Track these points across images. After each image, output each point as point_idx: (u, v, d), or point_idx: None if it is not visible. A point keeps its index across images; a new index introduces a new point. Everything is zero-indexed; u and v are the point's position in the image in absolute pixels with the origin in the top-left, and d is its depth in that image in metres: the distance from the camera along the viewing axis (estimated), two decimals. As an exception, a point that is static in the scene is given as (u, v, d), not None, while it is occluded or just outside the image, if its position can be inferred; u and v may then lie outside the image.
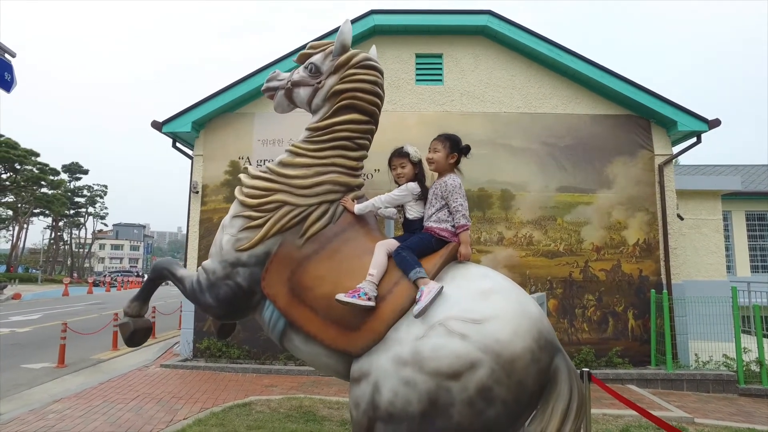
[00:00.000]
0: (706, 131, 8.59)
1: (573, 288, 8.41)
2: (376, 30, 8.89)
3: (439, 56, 9.03)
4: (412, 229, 2.84)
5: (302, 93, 3.11)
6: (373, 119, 3.05)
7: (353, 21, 8.71)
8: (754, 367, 7.80)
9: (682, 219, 9.90)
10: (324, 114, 2.97)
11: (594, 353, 8.12)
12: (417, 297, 2.31)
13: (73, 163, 52.84)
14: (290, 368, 7.82)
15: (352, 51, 3.01)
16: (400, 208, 2.94)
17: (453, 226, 2.65)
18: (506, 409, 2.05)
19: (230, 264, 2.78)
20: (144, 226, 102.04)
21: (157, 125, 8.72)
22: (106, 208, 58.98)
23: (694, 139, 8.85)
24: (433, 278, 2.42)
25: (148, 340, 3.43)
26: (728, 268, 15.91)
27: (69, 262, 56.44)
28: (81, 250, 59.89)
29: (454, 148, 2.78)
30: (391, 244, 2.64)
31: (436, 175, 2.88)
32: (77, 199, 54.33)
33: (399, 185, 2.94)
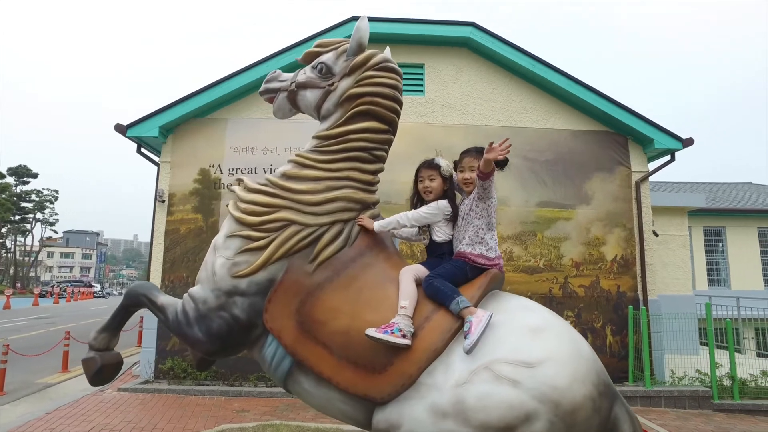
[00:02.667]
0: (680, 149, 8.75)
1: (553, 304, 8.30)
2: (356, 37, 8.63)
3: (421, 66, 8.86)
4: (438, 253, 2.53)
5: (309, 96, 2.72)
6: (392, 128, 2.71)
7: (333, 27, 8.45)
8: (726, 382, 7.90)
9: (657, 235, 10.04)
10: (336, 120, 2.61)
11: (574, 370, 8.02)
12: (465, 329, 2.02)
13: (20, 166, 49.88)
14: (262, 390, 7.35)
15: (369, 51, 2.68)
16: (425, 228, 2.64)
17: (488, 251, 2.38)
18: None
19: (225, 293, 2.38)
20: (97, 234, 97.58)
21: (121, 129, 8.14)
22: (56, 214, 55.90)
23: (669, 157, 8.99)
24: None
25: (117, 376, 2.94)
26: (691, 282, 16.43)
27: (12, 272, 53.08)
28: (26, 259, 56.47)
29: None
30: (419, 270, 2.34)
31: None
32: (24, 204, 51.29)
33: (421, 200, 2.65)
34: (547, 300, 8.29)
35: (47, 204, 53.52)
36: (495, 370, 1.86)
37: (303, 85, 2.73)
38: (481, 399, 1.83)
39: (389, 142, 2.72)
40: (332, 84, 2.65)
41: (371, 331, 2.05)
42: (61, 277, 74.86)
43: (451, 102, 8.73)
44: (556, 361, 1.87)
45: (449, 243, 2.53)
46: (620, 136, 8.86)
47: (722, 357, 8.06)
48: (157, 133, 8.12)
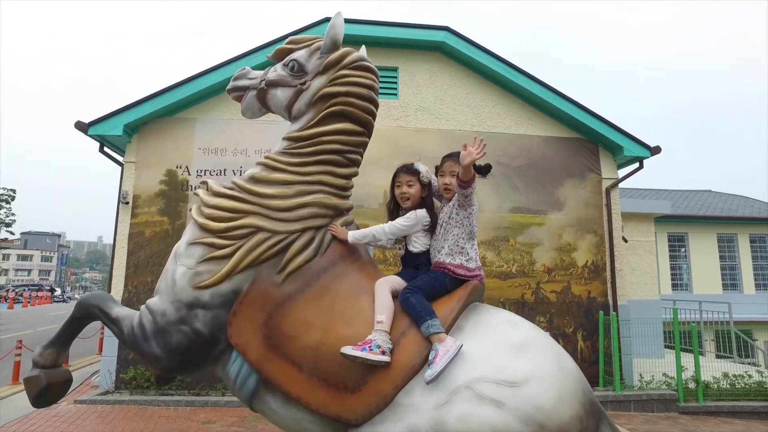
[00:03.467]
0: (648, 157, 8.92)
1: (525, 310, 8.34)
2: (330, 38, 8.50)
3: (395, 69, 8.78)
4: (415, 263, 2.42)
5: (280, 95, 2.58)
6: (368, 130, 2.61)
7: (307, 28, 8.29)
8: (691, 385, 8.07)
9: (626, 241, 10.22)
10: (308, 121, 2.47)
11: (545, 376, 8.06)
12: (430, 358, 1.91)
13: (-25, 164, 47.60)
14: (229, 399, 7.09)
15: (345, 49, 2.58)
16: (402, 238, 2.53)
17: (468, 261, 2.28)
18: None
19: (186, 305, 2.20)
20: (59, 235, 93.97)
21: (82, 126, 7.77)
22: (13, 214, 53.28)
23: (637, 164, 9.16)
24: (450, 326, 2.04)
25: (65, 395, 2.68)
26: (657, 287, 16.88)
27: (-35, 274, 50.50)
28: (-19, 261, 53.85)
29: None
30: (395, 282, 2.23)
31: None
32: (-22, 204, 48.90)
33: (398, 207, 2.54)
34: (520, 305, 8.32)
35: (3, 204, 51.21)
36: (477, 389, 1.77)
37: (273, 84, 2.59)
38: (462, 420, 1.74)
39: (364, 145, 2.62)
40: (304, 82, 2.53)
41: (347, 349, 1.92)
42: (18, 280, 71.65)
43: (425, 106, 8.68)
44: (540, 380, 1.79)
45: (426, 253, 2.44)
46: (591, 143, 8.98)
47: (686, 360, 8.24)
48: (122, 132, 7.79)
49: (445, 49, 8.76)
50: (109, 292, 8.33)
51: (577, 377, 1.89)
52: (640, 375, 8.41)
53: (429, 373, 1.86)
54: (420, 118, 8.65)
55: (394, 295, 2.18)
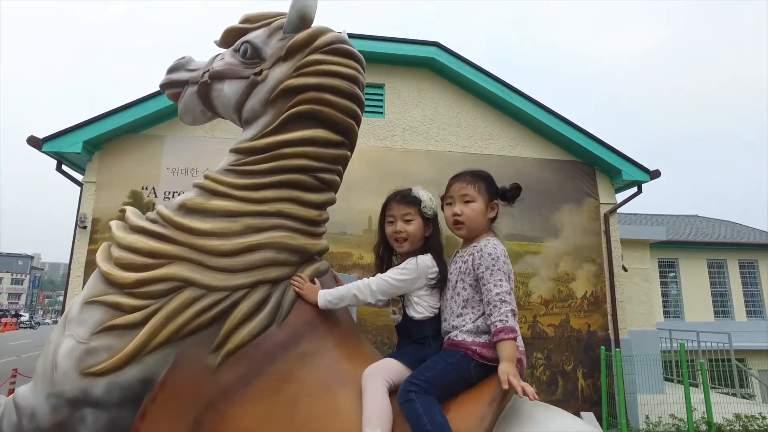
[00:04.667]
0: (647, 181, 8.48)
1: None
2: (313, 52, 7.97)
3: (381, 86, 8.24)
4: (419, 336, 1.71)
5: (227, 90, 1.88)
6: (349, 139, 1.93)
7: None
8: (702, 427, 7.46)
9: (626, 270, 9.70)
10: (265, 126, 1.79)
11: (544, 418, 7.37)
12: None
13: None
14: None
15: (318, 27, 1.89)
16: (397, 298, 1.83)
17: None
18: None
19: (69, 402, 1.49)
20: (32, 257, 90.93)
21: (35, 142, 7.03)
22: (-17, 236, 51.54)
23: (635, 189, 8.71)
24: None
25: None
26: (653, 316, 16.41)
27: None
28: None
29: (493, 191, 1.81)
30: (391, 371, 1.54)
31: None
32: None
33: (390, 251, 1.89)
34: (516, 340, 7.68)
35: (-26, 225, 49.30)
36: None
37: (219, 75, 1.89)
38: None
39: (344, 160, 1.93)
40: (260, 72, 1.82)
41: None
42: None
43: (413, 125, 8.13)
44: None
45: (434, 320, 1.74)
46: (588, 166, 8.50)
47: (680, 393, 7.64)
48: (81, 149, 7.07)
49: (434, 66, 8.27)
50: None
51: None
52: (647, 416, 7.76)
53: None
54: (407, 139, 8.09)
55: (392, 389, 1.51)
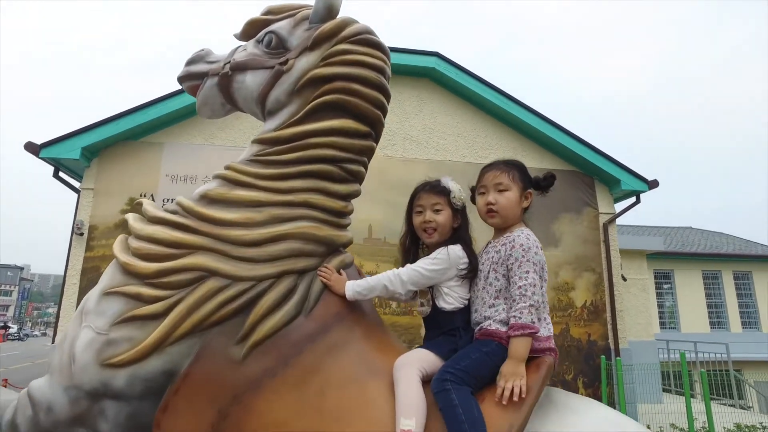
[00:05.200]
0: (646, 191, 8.52)
1: (522, 354, 7.66)
2: (313, 61, 8.00)
3: (382, 96, 8.28)
4: (449, 328, 1.68)
5: (250, 81, 1.86)
6: (375, 131, 1.92)
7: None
8: (702, 437, 7.42)
9: (625, 280, 9.71)
10: (291, 116, 1.76)
11: (546, 429, 7.31)
12: None
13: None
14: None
15: (345, 18, 1.87)
16: (426, 291, 1.80)
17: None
18: None
19: (88, 394, 1.45)
20: (21, 268, 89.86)
21: (33, 148, 6.97)
22: (-28, 246, 50.93)
23: (634, 199, 8.75)
24: None
25: None
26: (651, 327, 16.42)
27: None
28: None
29: (527, 181, 1.80)
30: (424, 361, 1.51)
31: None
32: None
33: (416, 242, 1.87)
34: (516, 350, 7.64)
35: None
36: None
37: (242, 66, 1.87)
38: None
39: (370, 152, 1.91)
40: (285, 62, 1.80)
41: None
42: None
43: (413, 135, 8.14)
44: None
45: (464, 311, 1.71)
46: (587, 176, 8.54)
47: (678, 403, 7.62)
48: (79, 156, 7.01)
49: (434, 76, 8.32)
50: (55, 335, 7.36)
51: None
52: (648, 426, 7.71)
53: None
54: (407, 148, 8.10)
55: (425, 380, 1.48)
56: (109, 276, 1.59)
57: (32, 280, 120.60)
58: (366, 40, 1.83)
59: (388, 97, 1.93)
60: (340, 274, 1.71)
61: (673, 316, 17.31)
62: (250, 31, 1.97)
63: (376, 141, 1.96)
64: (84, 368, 1.45)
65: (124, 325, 1.47)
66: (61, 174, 7.40)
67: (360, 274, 1.89)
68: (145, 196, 7.33)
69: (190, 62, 1.98)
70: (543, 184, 1.78)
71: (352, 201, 1.92)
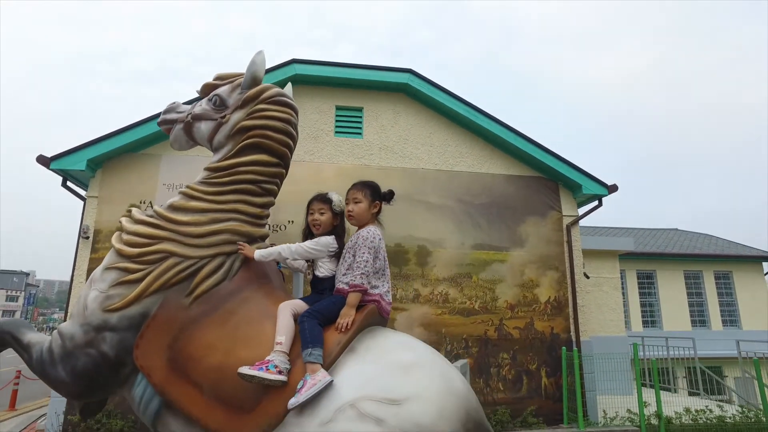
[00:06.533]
0: (606, 195, 9.23)
1: (488, 347, 8.35)
2: (297, 79, 8.73)
3: (360, 110, 9.04)
4: (321, 288, 2.50)
5: (203, 128, 2.72)
6: (284, 162, 2.72)
7: (274, 68, 8.53)
8: (654, 421, 8.08)
9: (588, 277, 10.40)
10: (227, 153, 2.60)
11: (510, 413, 8.00)
12: (298, 387, 1.95)
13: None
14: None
15: (264, 84, 2.70)
16: (311, 262, 2.61)
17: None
18: None
19: (95, 328, 2.24)
20: (27, 274, 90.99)
21: (44, 161, 7.75)
22: (-20, 252, 51.91)
23: (596, 202, 9.45)
24: (342, 350, 2.07)
25: None
26: (626, 323, 17.04)
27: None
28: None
29: (376, 196, 2.54)
30: (297, 305, 2.29)
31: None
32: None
33: (312, 233, 2.62)
34: (483, 342, 8.33)
35: (-29, 241, 49.66)
36: (360, 407, 1.81)
37: (198, 117, 2.72)
38: None
39: (280, 176, 2.72)
40: (224, 116, 2.65)
41: (245, 369, 1.96)
42: (-18, 320, 68.51)
43: (389, 145, 8.90)
44: (423, 398, 1.84)
45: (332, 278, 2.50)
46: (551, 181, 9.26)
47: (651, 396, 8.26)
48: (85, 167, 7.79)
49: (409, 91, 9.08)
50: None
51: (462, 397, 1.93)
52: (604, 411, 8.40)
53: (292, 401, 1.91)
54: (384, 157, 8.85)
55: (296, 318, 2.22)
56: (108, 257, 2.38)
57: (38, 286, 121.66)
58: (278, 101, 2.63)
59: (293, 138, 2.71)
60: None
61: (653, 315, 17.94)
62: (205, 90, 2.79)
63: (286, 168, 2.73)
64: (92, 312, 2.26)
65: (117, 287, 2.28)
66: (68, 183, 8.17)
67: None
68: (144, 203, 8.09)
69: (165, 112, 2.80)
70: (387, 197, 2.51)
71: (271, 209, 2.72)
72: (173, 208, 2.49)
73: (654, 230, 21.97)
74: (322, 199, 2.62)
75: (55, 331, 2.38)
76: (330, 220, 2.58)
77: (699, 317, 18.42)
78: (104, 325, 2.23)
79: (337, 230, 2.60)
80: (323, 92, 8.94)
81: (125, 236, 2.41)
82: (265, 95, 2.65)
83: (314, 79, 8.81)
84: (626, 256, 16.78)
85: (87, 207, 8.01)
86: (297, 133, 2.79)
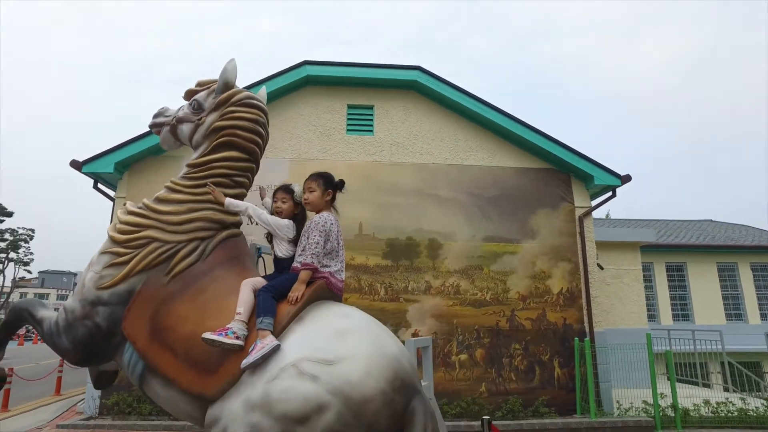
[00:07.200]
0: (619, 185, 9.17)
1: (500, 337, 8.47)
2: (309, 80, 9.07)
3: (371, 108, 9.28)
4: (280, 267, 2.78)
5: (185, 129, 3.04)
6: (253, 157, 3.01)
7: (286, 71, 8.87)
8: (670, 412, 8.03)
9: (602, 268, 10.34)
10: (203, 151, 2.91)
11: (521, 403, 8.10)
12: (250, 350, 2.23)
13: (-5, 205, 49.35)
14: (206, 426, 7.29)
15: (234, 89, 2.99)
16: (272, 245, 2.88)
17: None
18: None
19: (90, 303, 2.60)
20: (75, 274, 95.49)
21: (76, 165, 8.34)
22: (31, 253, 54.69)
23: (610, 193, 9.41)
24: (292, 318, 2.34)
25: (1, 389, 3.12)
26: (652, 317, 16.68)
27: (-17, 313, 51.59)
28: (-2, 300, 54.98)
29: (329, 185, 2.79)
30: (256, 282, 2.57)
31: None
32: (-3, 244, 50.34)
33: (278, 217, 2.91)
34: (495, 333, 8.45)
35: (22, 243, 52.57)
36: (300, 367, 2.07)
37: (180, 120, 3.05)
38: (284, 392, 2.03)
39: (251, 170, 3.00)
40: (201, 119, 2.98)
41: (207, 334, 2.25)
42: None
43: (400, 141, 9.11)
44: (353, 359, 2.07)
45: (290, 259, 2.76)
46: (562, 173, 9.27)
47: (680, 389, 8.17)
48: (113, 169, 8.33)
49: (418, 87, 9.26)
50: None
51: (392, 359, 2.15)
52: (618, 402, 8.39)
53: (244, 361, 2.20)
54: (395, 153, 9.07)
55: (255, 292, 2.50)
56: (103, 243, 2.73)
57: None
58: (247, 103, 2.92)
59: (261, 136, 2.99)
60: (227, 239, 2.79)
61: (685, 308, 17.50)
62: (187, 96, 3.10)
63: (256, 163, 3.01)
64: (88, 290, 2.62)
65: (109, 268, 2.62)
66: (99, 185, 8.75)
67: (246, 243, 2.96)
68: (168, 202, 8.59)
69: (155, 116, 3.14)
70: (339, 185, 2.75)
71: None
72: (158, 200, 2.83)
73: (685, 221, 21.36)
74: (286, 189, 2.90)
75: (60, 307, 2.76)
76: (291, 208, 2.85)
77: (735, 310, 17.86)
78: (97, 300, 2.58)
79: (297, 217, 2.86)
80: (335, 92, 9.23)
81: (118, 225, 2.74)
82: (235, 98, 2.93)
83: (326, 79, 9.11)
84: (653, 248, 16.45)
85: (116, 207, 8.55)
86: (267, 132, 3.07)
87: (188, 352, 2.36)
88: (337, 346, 2.13)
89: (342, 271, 2.70)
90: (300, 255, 2.63)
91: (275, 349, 2.19)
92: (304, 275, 2.50)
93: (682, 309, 17.55)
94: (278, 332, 2.29)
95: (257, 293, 2.47)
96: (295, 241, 2.79)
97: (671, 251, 17.39)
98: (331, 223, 2.66)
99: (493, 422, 7.73)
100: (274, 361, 2.16)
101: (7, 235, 50.65)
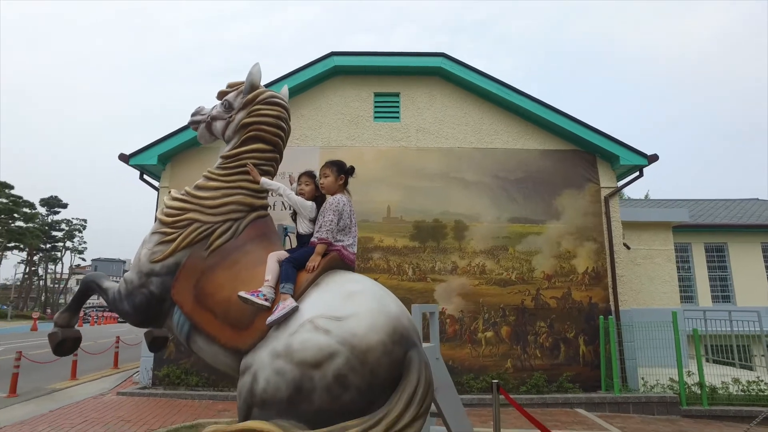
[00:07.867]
0: (646, 165, 9.17)
1: (525, 315, 8.72)
2: (336, 70, 9.43)
3: (397, 95, 9.57)
4: (301, 242, 3.19)
5: (218, 126, 3.48)
6: (277, 149, 3.43)
7: (314, 62, 9.26)
8: (697, 390, 8.11)
9: (628, 248, 10.37)
10: (234, 144, 3.35)
11: (545, 379, 8.36)
12: (274, 310, 2.63)
13: (51, 196, 52.45)
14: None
15: (259, 89, 3.40)
16: (295, 222, 3.28)
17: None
18: (360, 394, 2.36)
19: (145, 274, 3.09)
20: (124, 261, 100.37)
21: (124, 158, 9.03)
22: (84, 242, 58.19)
23: (637, 173, 9.41)
24: (310, 284, 2.74)
25: (77, 349, 3.65)
26: (689, 298, 16.43)
27: (43, 298, 55.19)
28: (57, 286, 58.65)
29: (341, 171, 3.16)
30: (282, 254, 2.98)
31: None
32: (54, 233, 53.62)
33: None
34: (520, 311, 8.70)
35: (76, 233, 55.77)
36: (315, 322, 2.47)
37: (215, 118, 3.49)
38: (302, 343, 2.44)
39: (275, 160, 3.42)
40: (231, 116, 3.41)
41: (242, 293, 2.68)
42: (89, 303, 77.07)
43: (425, 127, 9.38)
44: (359, 316, 2.46)
45: (311, 235, 3.15)
46: (588, 154, 9.34)
47: (714, 369, 8.20)
48: (156, 161, 8.98)
49: (442, 74, 9.48)
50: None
51: (393, 317, 2.52)
52: (643, 379, 8.51)
53: (269, 318, 2.62)
54: (421, 138, 9.35)
55: (280, 263, 2.92)
56: (154, 225, 3.20)
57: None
58: (270, 101, 3.32)
59: (284, 130, 3.38)
60: (256, 220, 3.20)
61: (725, 289, 17.11)
62: (220, 96, 3.52)
63: (280, 153, 3.42)
64: (143, 264, 3.11)
65: (159, 245, 3.10)
66: (144, 176, 9.44)
67: (272, 222, 3.36)
68: (208, 190, 9.19)
69: (192, 114, 3.59)
70: (350, 171, 3.11)
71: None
72: (198, 187, 3.28)
73: (728, 200, 20.68)
74: (309, 174, 3.32)
75: (121, 278, 3.26)
76: (313, 190, 3.27)
77: (780, 292, 17.30)
78: (151, 272, 3.06)
79: (318, 200, 3.26)
80: (362, 80, 9.56)
81: (165, 209, 3.25)
82: (260, 98, 3.34)
83: (353, 69, 9.45)
84: (691, 229, 16.14)
85: (160, 197, 9.21)
86: (288, 125, 3.49)
87: (226, 313, 2.80)
88: (346, 306, 2.52)
89: (354, 245, 3.08)
90: (317, 231, 3.03)
91: (294, 310, 2.60)
92: (320, 248, 2.90)
93: (722, 290, 17.17)
94: (298, 295, 2.70)
95: (281, 263, 2.88)
96: (315, 221, 3.19)
97: (711, 231, 16.98)
98: (344, 204, 3.04)
99: (517, 396, 8.04)
100: (294, 319, 2.57)
101: (63, 225, 53.90)
